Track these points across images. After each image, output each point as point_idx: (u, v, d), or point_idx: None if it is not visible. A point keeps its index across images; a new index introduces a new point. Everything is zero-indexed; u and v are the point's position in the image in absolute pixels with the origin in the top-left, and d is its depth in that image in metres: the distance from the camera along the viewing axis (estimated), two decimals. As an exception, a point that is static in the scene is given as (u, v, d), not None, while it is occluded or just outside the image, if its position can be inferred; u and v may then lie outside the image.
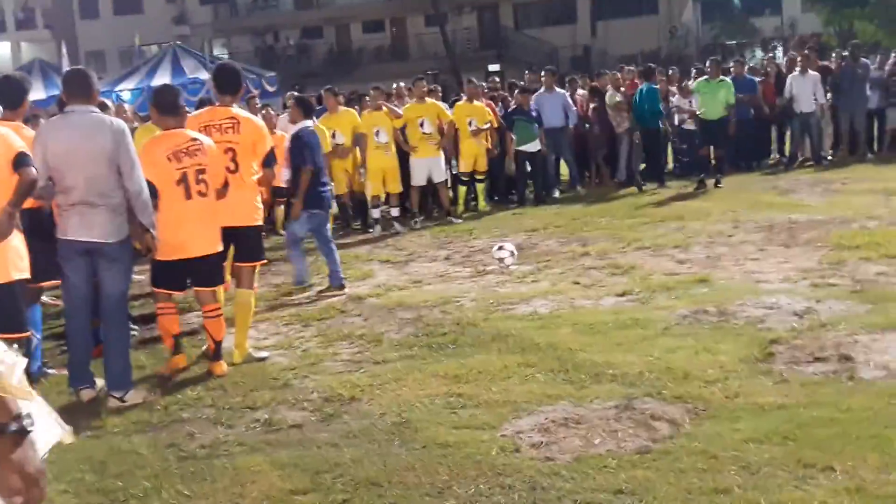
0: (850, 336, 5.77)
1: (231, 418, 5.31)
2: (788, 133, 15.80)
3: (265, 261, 6.88)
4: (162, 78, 22.24)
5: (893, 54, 16.30)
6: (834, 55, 16.98)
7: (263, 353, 6.57)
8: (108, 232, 5.61)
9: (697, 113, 13.90)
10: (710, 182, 13.44)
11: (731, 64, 16.75)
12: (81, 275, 5.69)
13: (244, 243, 6.54)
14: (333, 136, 12.08)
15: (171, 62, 22.88)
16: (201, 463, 4.65)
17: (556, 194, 14.04)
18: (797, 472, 3.91)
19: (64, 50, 19.64)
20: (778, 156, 16.11)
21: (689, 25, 43.12)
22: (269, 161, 6.51)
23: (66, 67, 18.54)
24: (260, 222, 6.65)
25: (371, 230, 12.19)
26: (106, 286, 5.73)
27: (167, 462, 4.70)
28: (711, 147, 13.64)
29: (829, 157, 15.50)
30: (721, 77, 13.88)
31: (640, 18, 42.32)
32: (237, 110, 6.59)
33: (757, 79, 15.83)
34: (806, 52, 16.30)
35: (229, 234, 6.46)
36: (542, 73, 14.71)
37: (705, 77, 13.92)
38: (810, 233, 9.34)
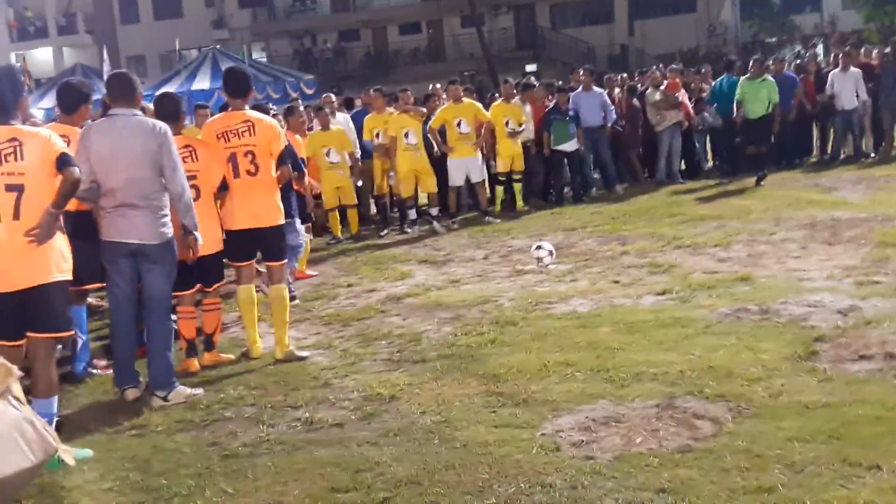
0: (894, 333, 5.68)
1: (272, 417, 5.35)
2: (831, 130, 15.60)
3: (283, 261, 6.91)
4: (202, 82, 22.52)
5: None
6: (875, 52, 16.73)
7: (305, 353, 6.61)
8: (149, 233, 5.68)
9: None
10: (752, 180, 13.33)
11: (771, 62, 16.56)
12: (125, 276, 5.77)
13: (271, 244, 6.67)
14: (378, 136, 12.15)
15: (211, 66, 23.13)
16: (243, 461, 4.69)
17: (594, 193, 13.99)
18: (842, 471, 3.86)
19: (105, 55, 19.92)
20: (819, 153, 15.90)
21: (728, 23, 42.71)
22: (283, 159, 6.62)
23: (107, 72, 18.83)
24: (282, 221, 6.72)
25: (409, 230, 12.21)
26: (148, 287, 5.80)
27: (210, 460, 4.75)
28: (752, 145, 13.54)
29: (872, 155, 15.28)
30: (764, 76, 13.73)
31: (677, 17, 42.02)
32: (251, 113, 6.65)
33: (798, 75, 15.64)
34: (847, 48, 16.08)
35: (255, 236, 6.59)
36: (581, 72, 14.65)
37: (747, 75, 13.78)
38: (853, 230, 9.21)
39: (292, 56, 44.24)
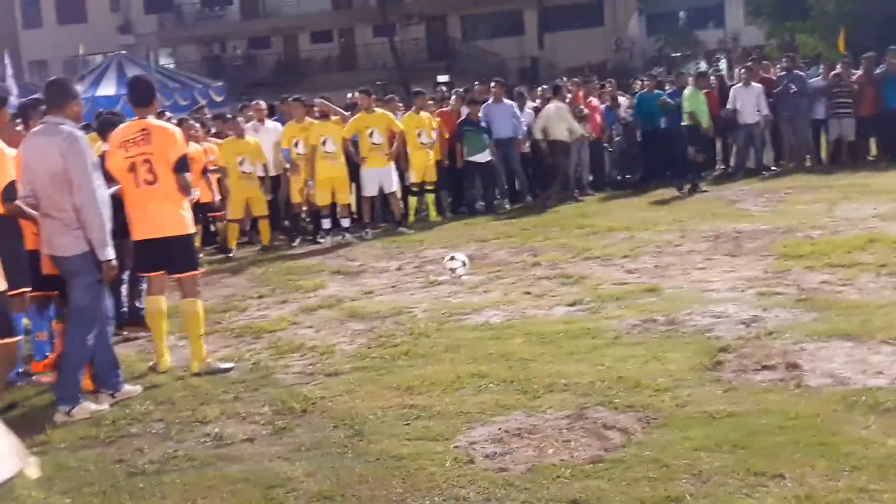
0: (796, 344, 5.87)
1: (181, 433, 5.23)
2: (733, 144, 16.09)
3: (199, 271, 6.76)
4: (107, 88, 22.00)
5: (832, 66, 16.68)
6: (777, 67, 17.32)
7: (227, 364, 6.47)
8: (61, 245, 5.61)
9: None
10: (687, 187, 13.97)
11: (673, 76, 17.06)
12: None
13: (175, 254, 6.44)
14: (297, 145, 12.03)
15: (116, 71, 22.61)
16: (150, 479, 4.57)
17: (507, 205, 14.14)
18: (747, 480, 3.96)
19: (7, 59, 19.26)
20: (723, 166, 16.37)
21: (635, 38, 43.67)
22: (178, 167, 6.34)
23: (8, 77, 18.23)
24: (188, 231, 6.48)
25: (322, 241, 12.13)
26: (70, 299, 5.76)
27: (115, 478, 4.61)
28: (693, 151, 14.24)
29: (773, 168, 15.80)
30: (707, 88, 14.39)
31: (586, 31, 42.75)
32: (151, 121, 6.46)
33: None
34: (749, 64, 16.61)
35: (159, 246, 6.40)
36: (492, 85, 14.78)
37: (695, 88, 14.26)
38: (756, 242, 9.50)
39: (201, 62, 43.56)
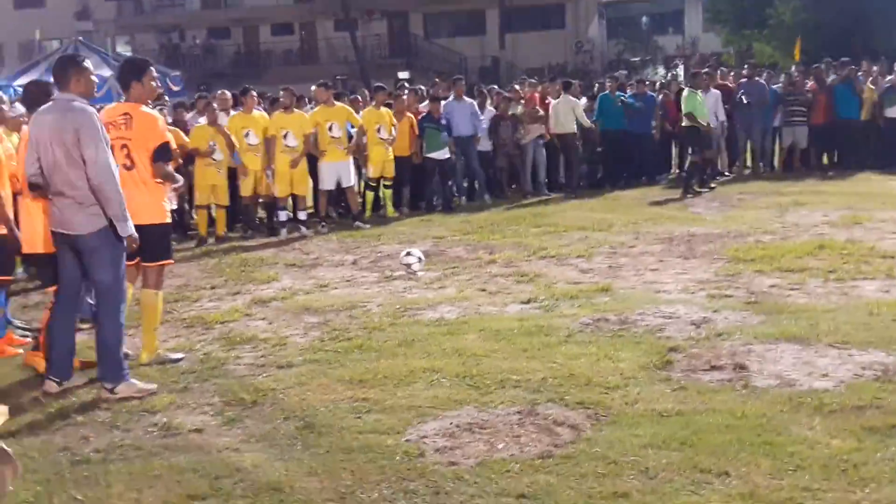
0: (744, 346, 5.96)
1: (128, 422, 5.17)
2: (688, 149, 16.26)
3: (171, 261, 6.66)
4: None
5: (786, 74, 16.97)
6: (732, 74, 17.57)
7: (177, 355, 6.40)
8: (78, 223, 5.58)
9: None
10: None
11: (633, 81, 17.26)
12: (66, 266, 5.73)
13: (148, 242, 6.20)
14: (247, 135, 11.93)
15: (73, 57, 22.18)
16: (95, 467, 4.51)
17: (463, 202, 14.17)
18: (693, 477, 4.01)
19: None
20: (678, 171, 16.55)
21: (595, 41, 43.96)
22: (157, 156, 6.18)
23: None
24: (163, 220, 6.34)
25: (277, 233, 12.05)
26: (92, 279, 5.73)
27: (59, 466, 4.54)
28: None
29: (726, 174, 16.01)
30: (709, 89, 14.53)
31: (547, 32, 42.94)
32: (134, 105, 6.26)
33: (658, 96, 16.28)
34: (706, 70, 16.82)
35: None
36: (454, 82, 14.80)
37: (691, 89, 14.42)
38: (708, 245, 9.62)
39: (159, 51, 42.98)
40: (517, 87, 16.15)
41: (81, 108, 5.52)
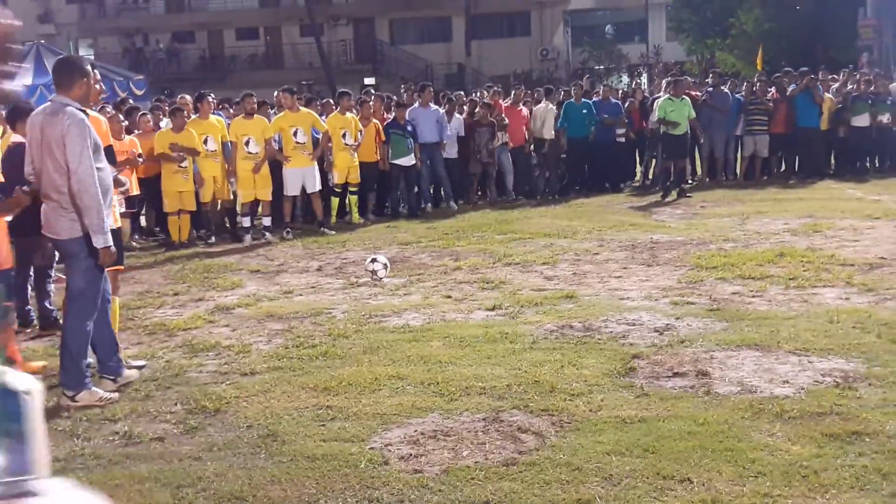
0: (706, 352, 6.01)
1: (88, 430, 5.11)
2: (652, 157, 16.41)
3: (122, 266, 6.55)
4: (23, 77, 21.32)
5: (748, 83, 17.17)
6: (695, 83, 17.76)
7: (139, 363, 6.33)
8: (59, 228, 5.55)
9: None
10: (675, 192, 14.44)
11: (599, 88, 17.39)
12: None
13: None
14: (205, 141, 11.85)
15: (34, 61, 21.99)
16: (55, 476, 4.44)
17: (429, 209, 14.17)
18: (656, 484, 4.04)
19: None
20: (642, 178, 16.69)
21: (560, 49, 44.24)
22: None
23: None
24: (116, 225, 6.17)
25: (241, 240, 11.98)
26: (67, 282, 5.69)
27: (18, 476, 4.48)
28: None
29: (689, 181, 16.16)
30: (682, 96, 14.56)
31: (512, 40, 43.18)
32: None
33: (624, 102, 16.40)
34: (677, 77, 16.97)
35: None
36: (422, 89, 14.82)
37: (669, 96, 14.46)
38: (671, 253, 9.70)
39: (122, 55, 42.61)
40: (484, 93, 16.19)
41: (71, 114, 5.41)
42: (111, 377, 5.85)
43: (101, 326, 5.81)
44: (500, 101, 15.30)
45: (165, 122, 12.70)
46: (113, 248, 5.58)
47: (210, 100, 12.39)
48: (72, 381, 5.59)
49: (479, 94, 17.08)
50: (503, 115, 14.79)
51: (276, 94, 13.66)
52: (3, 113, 8.73)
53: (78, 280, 5.59)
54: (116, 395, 5.70)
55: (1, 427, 1.60)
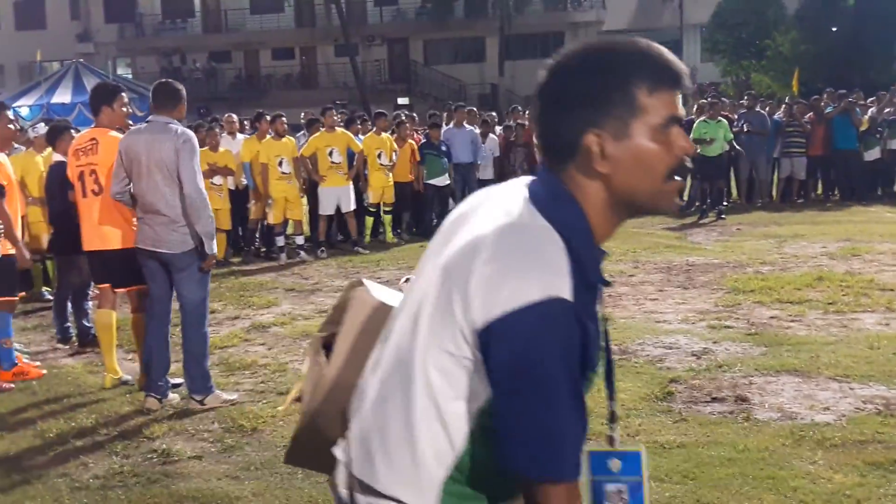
0: (745, 377, 5.95)
1: (127, 448, 5.15)
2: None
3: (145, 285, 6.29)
4: (62, 95, 21.72)
5: (785, 104, 17.07)
6: (731, 104, 17.66)
7: (178, 380, 6.30)
8: (171, 242, 5.75)
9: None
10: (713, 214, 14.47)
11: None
12: (157, 283, 5.90)
13: (119, 266, 6.20)
14: (280, 163, 11.90)
15: (73, 79, 22.34)
16: (95, 494, 4.49)
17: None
18: (696, 511, 4.00)
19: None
20: (678, 200, 16.58)
21: (594, 69, 44.20)
22: None
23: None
24: (132, 244, 6.06)
25: (276, 258, 12.05)
26: (180, 294, 5.87)
27: (59, 493, 4.52)
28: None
29: (725, 203, 16.06)
30: (718, 118, 14.58)
31: (546, 60, 42.77)
32: (101, 130, 6.25)
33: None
34: (710, 99, 16.90)
35: (104, 258, 6.25)
36: (454, 109, 14.87)
37: (704, 118, 14.54)
38: (707, 275, 9.63)
39: (159, 74, 43.12)
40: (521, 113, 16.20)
41: (181, 131, 5.70)
42: (158, 397, 5.89)
43: (162, 348, 5.93)
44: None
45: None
46: (216, 255, 5.96)
47: (267, 119, 12.45)
48: (199, 386, 5.83)
49: (519, 114, 17.03)
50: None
51: (302, 114, 13.65)
52: (44, 133, 8.91)
53: (194, 290, 5.79)
54: (237, 395, 6.00)
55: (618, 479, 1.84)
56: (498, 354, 1.46)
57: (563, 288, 1.47)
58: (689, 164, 1.63)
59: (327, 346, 1.93)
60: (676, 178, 1.62)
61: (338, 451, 1.72)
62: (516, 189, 1.66)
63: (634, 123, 1.55)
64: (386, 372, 1.64)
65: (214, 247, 5.79)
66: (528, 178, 1.68)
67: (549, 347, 1.45)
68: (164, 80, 6.24)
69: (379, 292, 2.00)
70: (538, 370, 1.45)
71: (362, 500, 1.63)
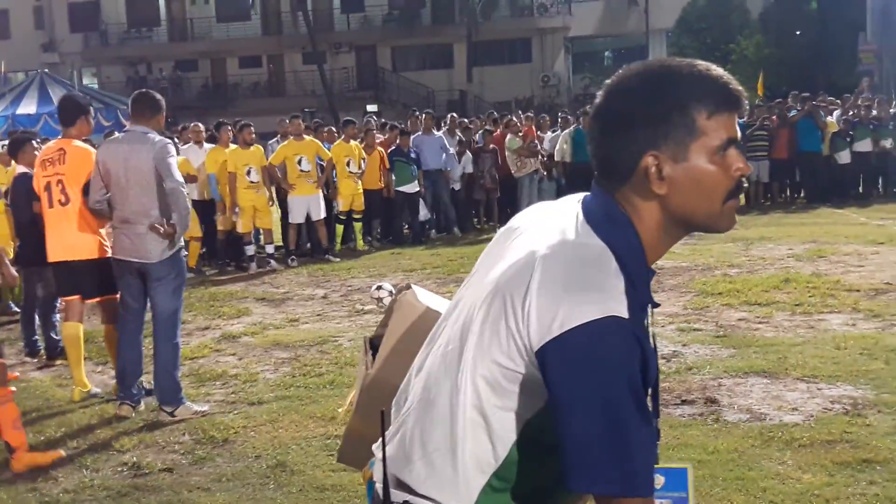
0: (714, 379, 6.01)
1: (96, 461, 5.10)
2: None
3: (116, 295, 6.19)
4: (28, 106, 21.53)
5: (749, 108, 17.25)
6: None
7: (97, 389, 6.39)
8: (149, 251, 5.75)
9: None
10: None
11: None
12: (132, 292, 5.87)
13: (87, 278, 6.20)
14: (248, 172, 11.83)
15: (38, 90, 22.15)
16: (64, 509, 4.45)
17: (433, 235, 14.21)
18: (668, 513, 4.02)
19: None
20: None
21: (561, 75, 44.45)
22: (87, 189, 6.09)
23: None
24: (101, 255, 6.15)
25: (246, 267, 11.99)
26: (154, 304, 5.84)
27: (27, 508, 4.48)
28: None
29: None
30: None
31: (514, 66, 43.37)
32: (73, 141, 6.26)
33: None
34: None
35: (71, 269, 6.23)
36: (423, 116, 14.90)
37: None
38: (675, 279, 9.71)
39: (125, 83, 42.80)
40: (513, 118, 16.28)
41: (159, 140, 5.72)
42: (132, 404, 5.89)
43: (136, 356, 5.92)
44: (532, 127, 15.47)
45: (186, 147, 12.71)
46: (179, 228, 5.83)
47: (228, 129, 12.39)
48: (169, 397, 5.77)
49: (488, 118, 17.10)
50: (536, 142, 14.90)
51: (279, 121, 13.63)
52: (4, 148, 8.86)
53: (169, 300, 5.78)
54: (207, 407, 5.93)
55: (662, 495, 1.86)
56: (558, 372, 1.46)
57: (619, 308, 1.47)
58: (745, 184, 1.64)
59: (375, 346, 1.99)
60: (733, 199, 1.61)
61: (375, 447, 1.73)
62: (570, 207, 1.66)
63: (693, 146, 1.55)
64: (431, 377, 1.64)
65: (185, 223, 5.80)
66: (580, 196, 1.69)
67: (611, 363, 1.45)
68: (143, 90, 6.25)
69: (426, 298, 2.03)
70: (603, 387, 1.44)
71: (397, 496, 1.64)
